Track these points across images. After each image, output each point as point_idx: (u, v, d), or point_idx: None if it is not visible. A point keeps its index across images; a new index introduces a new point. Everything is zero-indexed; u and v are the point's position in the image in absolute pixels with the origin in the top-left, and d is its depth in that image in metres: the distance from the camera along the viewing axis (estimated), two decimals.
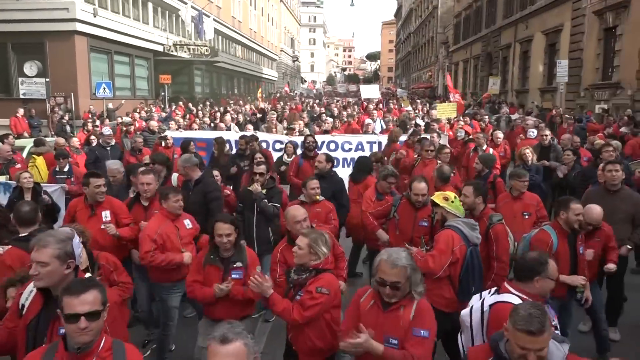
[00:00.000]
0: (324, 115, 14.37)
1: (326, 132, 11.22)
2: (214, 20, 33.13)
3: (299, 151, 8.64)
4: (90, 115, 18.36)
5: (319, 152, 7.86)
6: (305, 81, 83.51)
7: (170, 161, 8.45)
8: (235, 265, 4.06)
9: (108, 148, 9.78)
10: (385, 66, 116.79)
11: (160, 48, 28.20)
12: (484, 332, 3.01)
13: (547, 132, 9.75)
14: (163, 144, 9.68)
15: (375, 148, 9.81)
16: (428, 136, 9.24)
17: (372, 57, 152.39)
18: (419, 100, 26.05)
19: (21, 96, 17.86)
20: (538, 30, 26.16)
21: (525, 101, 27.19)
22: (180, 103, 26.15)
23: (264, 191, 5.70)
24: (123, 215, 5.23)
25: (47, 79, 17.87)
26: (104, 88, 19.83)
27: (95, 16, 21.41)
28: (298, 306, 3.39)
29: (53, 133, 17.10)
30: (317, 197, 5.44)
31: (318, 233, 3.65)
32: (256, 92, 48.19)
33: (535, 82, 26.79)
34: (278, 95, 41.55)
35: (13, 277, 3.34)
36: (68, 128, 18.43)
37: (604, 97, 19.54)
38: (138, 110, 20.75)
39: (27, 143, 10.84)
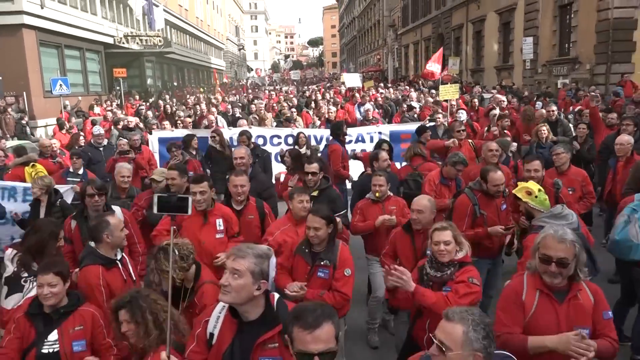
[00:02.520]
0: (320, 103, 13.97)
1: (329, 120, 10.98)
2: (163, 10, 31.85)
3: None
4: (69, 114, 17.19)
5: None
6: (252, 69, 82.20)
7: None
8: (322, 263, 3.77)
9: (100, 148, 9.12)
10: (329, 51, 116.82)
11: (110, 40, 26.81)
12: None
13: (554, 107, 9.91)
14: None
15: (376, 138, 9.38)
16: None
17: (314, 42, 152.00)
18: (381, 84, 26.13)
19: None
20: (491, 10, 26.90)
21: (480, 80, 28.00)
22: (137, 97, 25.09)
23: (315, 193, 5.24)
24: (234, 224, 4.64)
25: (0, 78, 16.52)
26: (61, 85, 18.53)
27: (42, 7, 19.99)
28: (452, 295, 3.23)
29: (10, 136, 15.88)
30: (378, 194, 5.05)
31: (453, 224, 3.52)
32: (205, 82, 47.11)
33: (491, 61, 27.63)
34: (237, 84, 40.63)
35: (121, 298, 2.98)
36: (28, 130, 17.23)
37: (562, 72, 20.43)
38: (103, 106, 19.73)
39: None
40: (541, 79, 22.02)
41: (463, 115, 9.89)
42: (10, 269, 4.00)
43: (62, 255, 4.25)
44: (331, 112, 11.30)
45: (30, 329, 3.19)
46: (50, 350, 3.15)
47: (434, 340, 2.13)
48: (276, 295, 2.59)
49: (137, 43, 28.07)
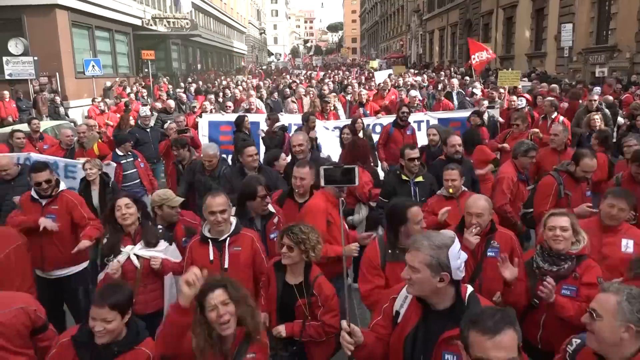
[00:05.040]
0: (358, 86, 13.75)
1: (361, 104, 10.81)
2: None
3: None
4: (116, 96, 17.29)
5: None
6: (272, 54, 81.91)
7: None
8: None
9: (147, 130, 9.13)
10: (349, 37, 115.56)
11: (138, 22, 26.83)
12: None
13: (596, 96, 9.73)
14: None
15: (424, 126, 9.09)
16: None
17: (333, 28, 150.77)
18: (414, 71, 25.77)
19: (7, 77, 16.58)
20: None
21: (510, 68, 27.45)
22: (165, 80, 25.14)
23: (420, 178, 5.09)
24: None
25: (36, 58, 16.63)
26: (93, 66, 18.73)
27: None
28: (582, 303, 2.96)
29: (45, 116, 16.03)
30: (451, 190, 4.58)
31: (572, 213, 3.32)
32: (227, 66, 47.10)
33: (522, 49, 27.07)
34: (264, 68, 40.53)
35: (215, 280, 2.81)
36: (62, 110, 17.37)
37: (599, 60, 19.90)
38: (131, 89, 19.80)
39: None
40: (576, 67, 21.50)
41: (522, 103, 9.56)
42: None
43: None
44: (363, 96, 11.07)
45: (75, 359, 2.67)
46: None
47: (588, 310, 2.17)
48: (469, 288, 2.45)
49: (165, 25, 28.08)
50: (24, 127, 9.99)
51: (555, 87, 13.83)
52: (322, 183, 2.62)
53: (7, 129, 10.81)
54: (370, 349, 2.43)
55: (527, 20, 26.28)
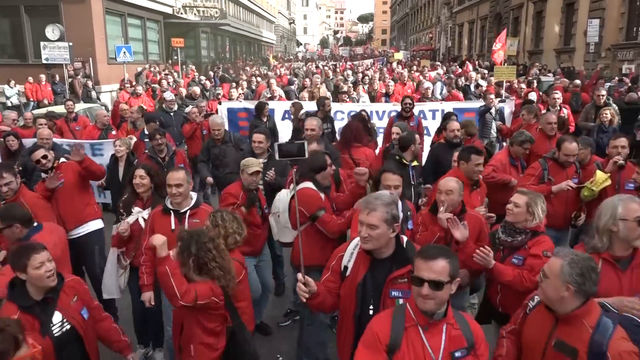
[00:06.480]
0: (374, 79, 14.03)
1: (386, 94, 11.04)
2: None
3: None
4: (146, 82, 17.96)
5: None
6: (301, 44, 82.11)
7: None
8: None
9: (172, 113, 9.63)
10: (379, 28, 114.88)
11: (169, 10, 27.51)
12: None
13: (603, 92, 9.79)
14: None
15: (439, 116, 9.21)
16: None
17: (364, 19, 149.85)
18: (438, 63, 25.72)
19: (44, 61, 17.39)
20: None
21: (539, 62, 27.10)
22: (193, 67, 25.74)
23: (415, 162, 5.52)
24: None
25: (70, 43, 17.38)
26: (124, 52, 19.37)
27: None
28: (528, 273, 3.29)
29: (80, 99, 16.80)
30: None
31: (536, 194, 3.60)
32: (256, 56, 47.58)
33: (551, 43, 26.68)
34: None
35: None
36: (94, 94, 18.14)
37: (628, 57, 19.59)
38: (160, 74, 20.42)
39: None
40: (604, 63, 21.15)
41: (533, 96, 9.67)
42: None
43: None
44: (390, 87, 11.28)
45: (34, 321, 2.89)
46: (64, 329, 2.98)
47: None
48: (404, 238, 2.92)
49: (194, 14, 28.67)
50: (59, 109, 10.66)
51: (578, 82, 13.83)
52: (277, 156, 3.06)
53: (43, 110, 11.52)
54: (322, 298, 2.83)
55: (557, 14, 25.89)
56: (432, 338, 2.28)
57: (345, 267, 2.88)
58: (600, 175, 4.81)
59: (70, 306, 3.03)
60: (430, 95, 10.36)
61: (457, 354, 2.26)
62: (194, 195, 4.26)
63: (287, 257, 6.15)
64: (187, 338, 3.22)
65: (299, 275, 2.75)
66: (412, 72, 17.04)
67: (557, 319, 2.50)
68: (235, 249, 3.60)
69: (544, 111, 8.69)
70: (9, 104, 16.71)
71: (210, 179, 6.83)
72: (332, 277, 2.93)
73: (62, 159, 5.27)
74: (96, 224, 5.36)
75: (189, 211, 4.10)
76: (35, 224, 3.84)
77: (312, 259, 3.80)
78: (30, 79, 17.68)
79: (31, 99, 17.55)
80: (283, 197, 4.63)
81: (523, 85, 11.76)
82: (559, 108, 8.33)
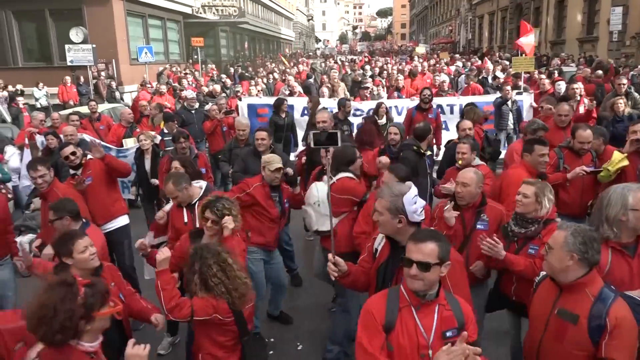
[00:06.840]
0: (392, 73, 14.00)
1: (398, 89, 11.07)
2: None
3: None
4: (167, 81, 18.26)
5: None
6: (320, 40, 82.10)
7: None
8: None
9: (193, 111, 9.86)
10: (398, 22, 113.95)
11: (188, 10, 27.88)
12: None
13: (625, 80, 9.59)
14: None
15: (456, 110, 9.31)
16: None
17: (383, 13, 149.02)
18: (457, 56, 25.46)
19: (69, 63, 17.87)
20: None
21: (561, 52, 26.63)
22: (213, 66, 26.06)
23: (428, 152, 5.79)
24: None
25: (94, 45, 17.81)
26: (146, 53, 19.74)
27: None
28: (540, 261, 3.27)
29: (104, 100, 17.22)
30: (460, 162, 4.92)
31: (543, 183, 3.63)
32: (275, 53, 47.78)
33: (573, 33, 26.18)
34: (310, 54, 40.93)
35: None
36: (118, 94, 18.56)
37: None
38: (180, 73, 20.75)
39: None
40: (629, 52, 20.68)
41: (560, 87, 9.54)
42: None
43: None
44: (399, 81, 11.27)
45: None
46: None
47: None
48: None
49: (213, 13, 29.00)
50: (84, 109, 10.99)
51: (600, 72, 13.56)
52: (312, 145, 3.23)
53: (68, 111, 11.88)
54: (354, 277, 3.07)
55: (579, 3, 25.36)
56: (425, 318, 2.38)
57: (376, 250, 3.07)
58: (617, 155, 4.73)
59: (110, 289, 3.21)
60: (446, 89, 10.36)
61: (448, 334, 2.36)
62: (203, 184, 4.46)
63: (297, 250, 6.48)
64: (196, 347, 3.29)
65: (329, 255, 2.97)
66: (431, 65, 16.91)
67: (561, 289, 2.62)
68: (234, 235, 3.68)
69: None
70: (38, 106, 17.21)
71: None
72: (367, 258, 3.15)
73: (89, 156, 5.47)
74: (124, 220, 5.58)
75: (197, 202, 4.27)
76: (83, 219, 4.10)
77: (349, 247, 4.10)
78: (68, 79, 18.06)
79: (61, 101, 18.04)
80: (322, 187, 4.55)
81: (543, 76, 11.62)
82: (578, 99, 8.21)
